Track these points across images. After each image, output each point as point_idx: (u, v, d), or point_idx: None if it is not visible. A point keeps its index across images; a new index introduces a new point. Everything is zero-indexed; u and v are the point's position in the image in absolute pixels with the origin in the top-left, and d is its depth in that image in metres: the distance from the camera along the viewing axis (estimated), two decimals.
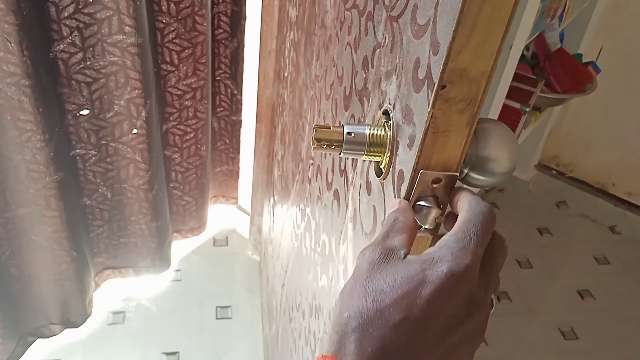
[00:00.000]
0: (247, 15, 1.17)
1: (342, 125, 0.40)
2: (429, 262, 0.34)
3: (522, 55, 1.25)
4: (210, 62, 1.18)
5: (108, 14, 0.93)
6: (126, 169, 1.13)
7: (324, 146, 0.40)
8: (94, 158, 1.09)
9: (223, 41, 1.22)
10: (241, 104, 1.32)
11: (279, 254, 1.08)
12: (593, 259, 1.74)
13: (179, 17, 1.06)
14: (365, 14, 0.48)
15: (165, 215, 1.26)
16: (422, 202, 0.38)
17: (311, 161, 0.73)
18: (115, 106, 1.04)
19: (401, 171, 0.39)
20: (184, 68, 1.13)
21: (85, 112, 1.03)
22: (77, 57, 0.96)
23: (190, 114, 1.20)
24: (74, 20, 0.92)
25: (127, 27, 0.95)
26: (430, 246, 0.38)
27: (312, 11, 0.77)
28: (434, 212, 0.38)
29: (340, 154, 0.40)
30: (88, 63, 0.98)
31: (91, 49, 0.96)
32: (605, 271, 1.71)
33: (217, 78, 1.28)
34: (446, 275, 0.33)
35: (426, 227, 0.39)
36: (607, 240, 1.82)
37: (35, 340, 1.20)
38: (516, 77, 1.12)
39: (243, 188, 1.47)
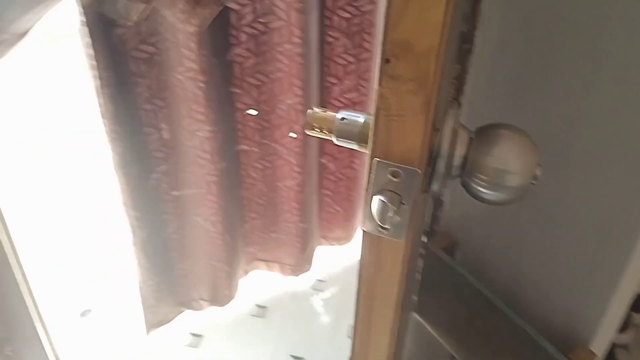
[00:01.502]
0: None
1: (340, 111, 0.39)
2: None
3: None
4: (375, 78, 1.22)
5: (280, 24, 1.02)
6: (281, 169, 1.21)
7: (317, 130, 0.39)
8: (255, 155, 1.20)
9: None
10: None
11: None
12: None
13: (349, 33, 1.12)
14: None
15: (312, 218, 1.32)
16: (379, 196, 0.35)
17: None
18: (278, 110, 1.13)
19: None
20: (347, 82, 1.18)
21: (253, 112, 1.14)
22: (251, 61, 1.07)
23: None
24: (250, 28, 1.03)
25: (296, 38, 1.03)
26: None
27: None
28: (388, 210, 0.35)
29: (335, 140, 0.39)
30: (259, 68, 1.08)
31: (263, 55, 1.06)
32: None
33: None
34: None
35: (383, 225, 0.36)
36: None
37: (184, 311, 1.35)
38: None
39: None
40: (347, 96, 1.20)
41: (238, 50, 1.05)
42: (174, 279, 1.28)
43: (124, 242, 1.19)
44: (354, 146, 0.40)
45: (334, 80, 1.18)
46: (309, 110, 0.40)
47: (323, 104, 1.21)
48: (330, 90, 1.19)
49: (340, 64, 1.16)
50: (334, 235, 1.45)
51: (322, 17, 1.10)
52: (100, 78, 0.93)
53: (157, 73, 0.99)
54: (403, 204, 0.37)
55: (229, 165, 1.15)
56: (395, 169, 0.35)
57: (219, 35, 1.00)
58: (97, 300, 1.51)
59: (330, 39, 1.13)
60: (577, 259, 1.32)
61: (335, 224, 1.42)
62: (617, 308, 1.28)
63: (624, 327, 1.60)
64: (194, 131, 1.06)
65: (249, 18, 1.02)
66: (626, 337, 1.73)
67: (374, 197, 0.36)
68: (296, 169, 1.20)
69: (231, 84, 1.09)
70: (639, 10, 0.81)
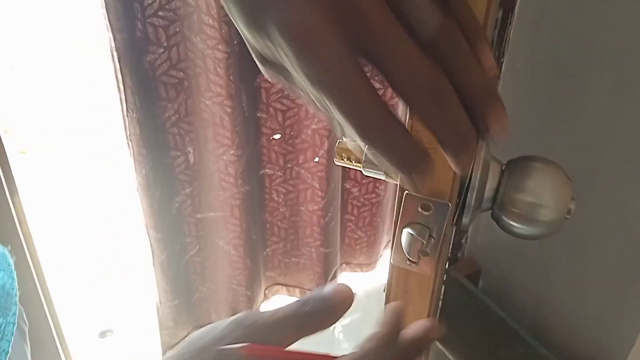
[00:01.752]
0: None
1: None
2: None
3: None
4: (399, 103, 1.22)
5: None
6: (305, 193, 1.21)
7: (345, 159, 0.39)
8: (279, 179, 1.20)
9: None
10: None
11: None
12: None
13: None
14: None
15: (335, 244, 1.32)
16: (409, 229, 0.35)
17: None
18: (302, 134, 1.13)
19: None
20: None
21: (277, 136, 1.14)
22: (277, 86, 1.08)
23: None
24: None
25: None
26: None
27: None
28: (417, 243, 0.34)
29: (364, 171, 0.39)
30: (285, 93, 1.09)
31: None
32: None
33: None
34: None
35: (410, 259, 0.35)
36: None
37: None
38: None
39: None
40: None
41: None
42: (193, 302, 1.28)
43: (144, 263, 1.20)
44: (382, 177, 0.39)
45: None
46: (338, 140, 0.40)
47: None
48: None
49: None
50: (357, 261, 1.44)
51: None
52: (127, 101, 0.95)
53: (185, 98, 1.01)
54: (432, 237, 0.36)
55: (252, 189, 1.16)
56: (426, 202, 0.35)
57: (246, 61, 1.02)
58: (116, 321, 1.52)
59: None
60: (606, 291, 1.29)
61: (358, 250, 1.41)
62: None
63: None
64: (219, 155, 1.07)
65: None
66: None
67: (404, 230, 0.36)
68: (319, 193, 1.20)
69: (257, 109, 1.10)
70: None
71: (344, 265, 1.44)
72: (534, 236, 0.33)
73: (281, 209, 1.25)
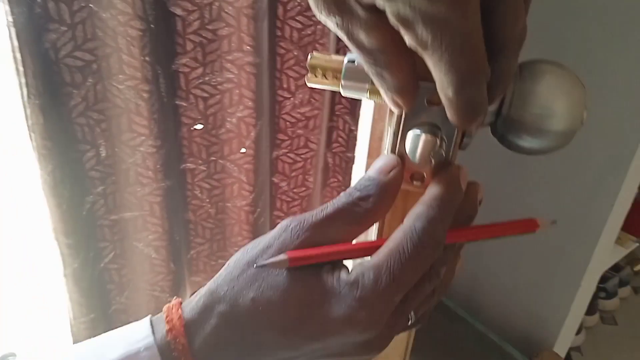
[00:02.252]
0: None
1: (345, 55, 0.34)
2: (329, 296, 0.29)
3: None
4: (327, 92, 1.17)
5: (230, 31, 0.96)
6: (231, 188, 1.13)
7: (319, 76, 0.33)
8: (202, 173, 1.11)
9: None
10: (356, 140, 1.29)
11: None
12: None
13: (300, 44, 1.07)
14: None
15: None
16: (415, 130, 0.30)
17: None
18: (227, 123, 1.05)
19: None
20: (300, 96, 1.13)
21: (199, 126, 1.06)
22: (197, 72, 1.00)
23: (302, 143, 1.19)
24: (198, 36, 0.96)
25: (246, 46, 0.97)
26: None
27: None
28: (429, 143, 0.30)
29: (339, 89, 0.33)
30: (206, 79, 1.01)
31: (211, 64, 0.99)
32: None
33: (337, 113, 1.26)
34: (338, 323, 0.28)
35: (413, 161, 0.30)
36: None
37: None
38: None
39: None
40: (299, 110, 1.15)
41: (184, 59, 0.97)
42: (111, 315, 1.16)
43: (54, 273, 1.06)
44: (364, 95, 0.34)
45: (287, 95, 1.12)
46: (309, 54, 0.34)
47: (274, 119, 1.14)
48: (283, 104, 1.13)
49: (292, 77, 1.11)
50: None
51: (273, 27, 1.04)
52: (28, 86, 0.83)
53: (94, 83, 0.90)
54: (444, 140, 0.31)
55: (173, 185, 1.06)
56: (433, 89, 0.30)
57: (164, 43, 0.93)
58: (20, 343, 1.35)
59: (281, 51, 1.07)
60: (538, 263, 1.31)
61: None
62: (577, 311, 1.28)
63: (577, 330, 1.60)
64: (136, 146, 0.97)
65: (196, 25, 0.95)
66: (579, 340, 1.74)
67: (408, 134, 0.32)
68: (247, 187, 1.13)
69: (176, 96, 1.01)
70: None
71: None
72: (543, 150, 0.29)
73: (206, 207, 1.16)
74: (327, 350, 0.30)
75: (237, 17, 0.94)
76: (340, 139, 1.30)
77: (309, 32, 1.06)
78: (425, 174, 0.33)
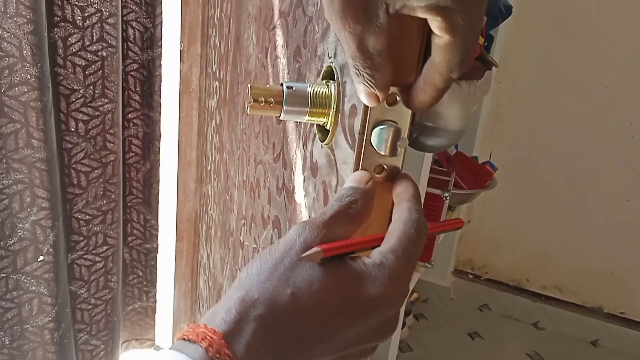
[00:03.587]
0: (161, 133, 1.15)
1: (281, 84, 0.38)
2: (363, 278, 0.33)
3: None
4: (121, 182, 1.12)
5: (15, 127, 0.87)
6: (29, 305, 0.98)
7: (262, 104, 0.37)
8: None
9: (134, 165, 1.18)
10: (156, 229, 1.25)
11: None
12: (527, 357, 1.72)
13: (88, 135, 1.02)
14: (291, 11, 0.49)
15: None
16: (380, 126, 0.37)
17: (243, 221, 0.70)
18: (19, 230, 0.93)
19: (353, 107, 0.37)
20: (93, 190, 1.06)
21: None
22: None
23: (100, 240, 1.11)
24: None
25: (35, 141, 0.89)
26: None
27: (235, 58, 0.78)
28: (391, 131, 0.37)
29: (280, 115, 0.37)
30: None
31: None
32: None
33: (129, 204, 1.21)
34: (377, 300, 0.33)
35: (381, 153, 0.37)
36: (534, 336, 1.83)
37: None
38: (431, 170, 1.17)
39: (161, 323, 1.34)
40: (93, 206, 1.07)
41: None
42: None
43: None
44: (304, 119, 0.37)
45: (78, 191, 1.04)
46: (248, 85, 0.36)
47: (67, 219, 1.04)
48: (74, 202, 1.05)
49: (82, 171, 1.04)
50: None
51: (59, 121, 0.97)
52: None
53: None
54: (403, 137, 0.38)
55: None
56: (393, 92, 0.36)
57: None
58: None
59: (68, 145, 1.00)
60: None
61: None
62: None
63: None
64: None
65: None
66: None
67: (373, 131, 0.36)
68: (49, 300, 0.99)
69: None
70: None
71: None
72: (443, 146, 0.39)
73: None
74: (359, 335, 0.33)
75: (24, 112, 0.86)
76: (135, 232, 1.24)
77: (97, 122, 1.02)
78: (385, 166, 0.38)
